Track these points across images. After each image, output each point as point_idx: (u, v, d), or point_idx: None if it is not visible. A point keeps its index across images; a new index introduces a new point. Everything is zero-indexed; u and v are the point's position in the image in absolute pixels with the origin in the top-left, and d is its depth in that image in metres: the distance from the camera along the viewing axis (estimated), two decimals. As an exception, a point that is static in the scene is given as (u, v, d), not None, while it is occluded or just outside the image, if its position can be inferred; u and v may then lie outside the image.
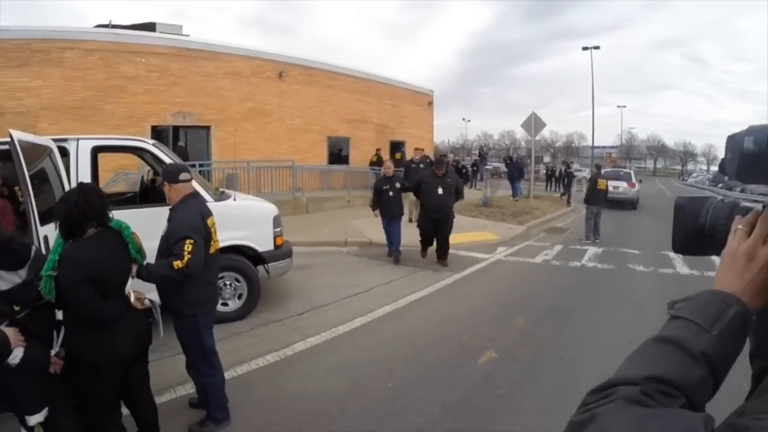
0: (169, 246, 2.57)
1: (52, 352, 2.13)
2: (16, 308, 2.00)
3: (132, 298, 2.26)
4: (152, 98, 12.54)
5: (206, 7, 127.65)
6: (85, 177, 3.54)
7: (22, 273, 2.04)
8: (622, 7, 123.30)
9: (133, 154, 4.82)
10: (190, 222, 2.61)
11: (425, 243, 7.36)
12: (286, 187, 12.47)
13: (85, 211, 2.08)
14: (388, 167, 7.47)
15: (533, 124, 15.79)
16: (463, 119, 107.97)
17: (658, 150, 73.35)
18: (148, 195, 5.17)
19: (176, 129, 13.12)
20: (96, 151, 3.82)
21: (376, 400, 3.26)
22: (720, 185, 31.00)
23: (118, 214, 2.30)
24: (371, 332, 4.44)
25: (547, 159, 49.08)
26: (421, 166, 10.22)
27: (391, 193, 7.19)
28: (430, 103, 22.95)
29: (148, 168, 5.56)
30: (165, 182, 2.78)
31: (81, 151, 3.58)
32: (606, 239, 9.74)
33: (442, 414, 3.10)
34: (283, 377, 3.57)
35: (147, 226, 3.63)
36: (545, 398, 3.33)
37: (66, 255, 2.04)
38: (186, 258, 2.47)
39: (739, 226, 0.72)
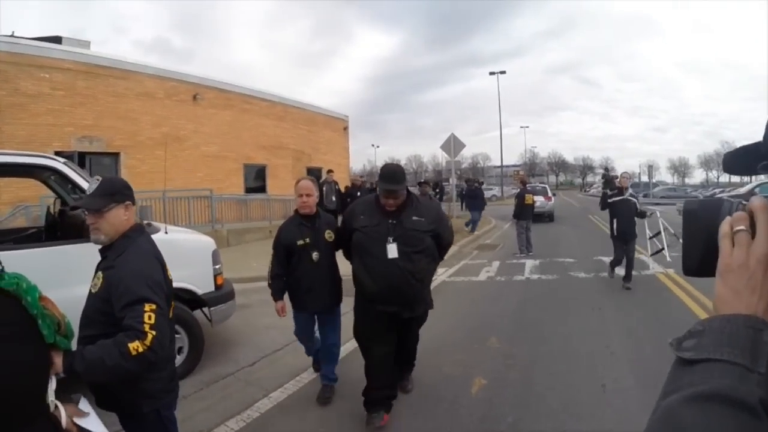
0: (113, 312, 1.64)
1: None
2: None
3: (63, 419, 1.29)
4: (56, 120, 10.90)
5: (105, 30, 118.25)
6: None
7: None
8: (522, 36, 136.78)
9: (34, 177, 3.82)
10: (148, 274, 1.71)
11: (373, 370, 3.13)
12: (204, 218, 11.39)
13: None
14: (306, 192, 3.26)
15: (453, 145, 16.23)
16: (372, 145, 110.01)
17: (559, 165, 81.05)
18: (56, 230, 4.14)
19: (82, 155, 11.22)
20: None
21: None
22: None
23: (17, 257, 1.44)
24: (342, 378, 3.79)
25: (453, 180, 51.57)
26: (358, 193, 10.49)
27: (315, 256, 3.23)
28: (346, 128, 22.89)
29: (54, 197, 4.50)
30: (95, 209, 1.76)
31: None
32: (537, 251, 10.05)
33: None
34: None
35: (57, 271, 2.85)
36: (557, 416, 3.11)
37: None
38: (149, 336, 1.56)
39: (740, 227, 0.55)
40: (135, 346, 1.52)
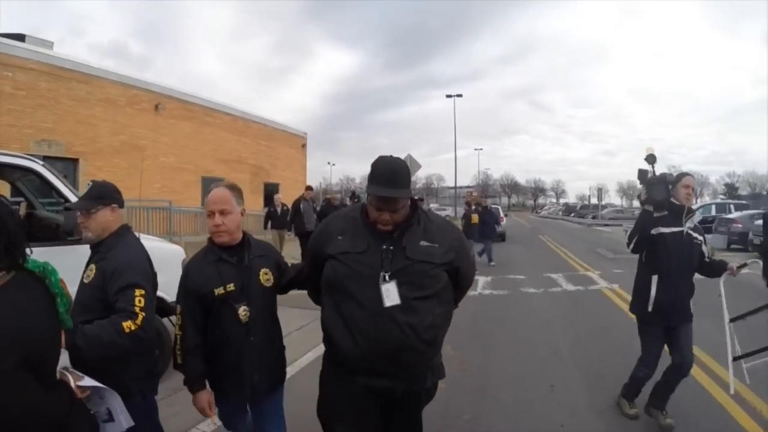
0: (106, 298, 1.81)
1: None
2: None
3: (71, 384, 1.43)
4: (16, 120, 10.48)
5: (62, 30, 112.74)
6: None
7: None
8: (480, 59, 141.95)
9: (3, 179, 3.77)
10: (138, 263, 1.92)
11: None
12: (162, 230, 11.25)
13: None
14: (219, 209, 2.02)
15: (410, 164, 16.72)
16: (329, 163, 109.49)
17: (512, 187, 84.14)
18: (26, 233, 4.07)
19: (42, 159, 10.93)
20: None
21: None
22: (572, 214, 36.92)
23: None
24: (308, 383, 3.88)
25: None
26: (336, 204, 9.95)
27: (243, 312, 2.03)
28: (304, 146, 23.14)
29: (21, 200, 4.47)
30: (84, 209, 1.98)
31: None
32: (490, 269, 10.53)
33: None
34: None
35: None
36: (510, 413, 3.42)
37: None
38: (140, 316, 1.75)
39: None
40: (128, 324, 1.72)
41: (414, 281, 1.74)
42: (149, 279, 1.96)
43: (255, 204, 17.78)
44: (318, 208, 10.45)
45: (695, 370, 3.52)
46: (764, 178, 62.21)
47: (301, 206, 9.59)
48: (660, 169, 3.17)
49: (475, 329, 5.67)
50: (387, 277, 1.73)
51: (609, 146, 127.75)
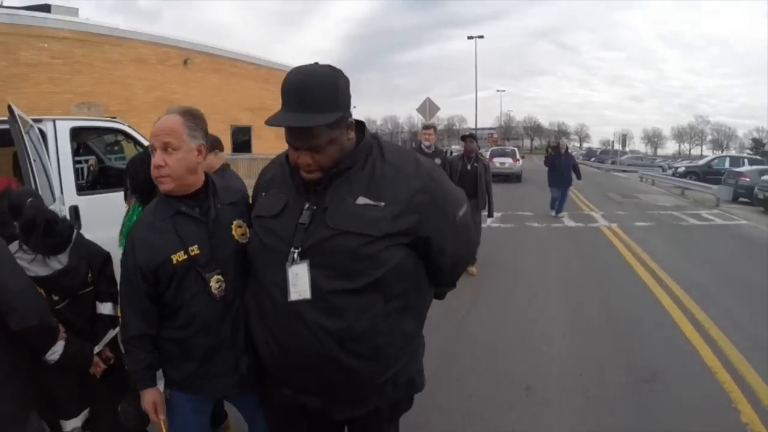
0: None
1: (95, 350, 1.78)
2: (55, 298, 1.71)
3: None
4: (56, 87, 11.30)
5: None
6: (66, 159, 3.54)
7: (63, 258, 1.74)
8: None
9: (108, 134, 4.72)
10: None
11: None
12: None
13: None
14: (162, 143, 1.35)
15: (428, 108, 17.14)
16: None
17: (534, 130, 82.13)
18: (97, 183, 5.13)
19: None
20: (74, 132, 3.79)
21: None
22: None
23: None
24: None
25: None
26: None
27: (216, 282, 1.37)
28: (326, 87, 23.58)
29: (92, 157, 5.62)
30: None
31: (60, 132, 3.55)
32: (500, 206, 11.22)
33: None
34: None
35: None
36: (497, 312, 4.33)
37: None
38: None
39: None
40: None
41: (335, 264, 1.12)
42: None
43: (282, 149, 18.66)
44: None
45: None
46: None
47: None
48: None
49: (485, 259, 5.99)
50: (297, 256, 1.13)
51: (637, 91, 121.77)
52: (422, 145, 5.40)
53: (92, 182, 5.16)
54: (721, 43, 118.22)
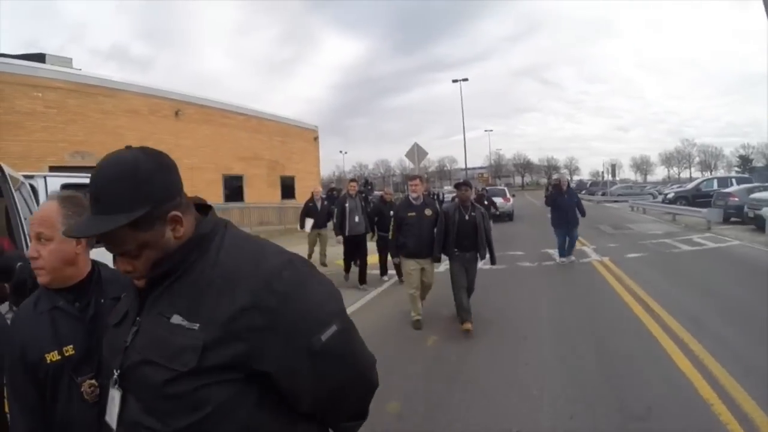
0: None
1: None
2: None
3: None
4: (50, 136, 11.62)
5: (61, 38, 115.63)
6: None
7: None
8: (486, 41, 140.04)
9: None
10: None
11: None
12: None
13: None
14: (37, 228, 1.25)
15: (416, 153, 17.53)
16: (340, 151, 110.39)
17: (524, 166, 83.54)
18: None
19: (75, 170, 12.32)
20: (65, 188, 3.83)
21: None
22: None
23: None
24: None
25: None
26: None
27: (89, 388, 1.22)
28: (316, 138, 24.14)
29: None
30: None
31: (51, 188, 3.61)
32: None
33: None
34: None
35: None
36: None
37: None
38: None
39: None
40: None
41: (146, 398, 0.86)
42: None
43: (273, 197, 19.15)
44: (368, 204, 9.04)
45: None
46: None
47: (347, 205, 7.46)
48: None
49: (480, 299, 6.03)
50: (117, 379, 0.92)
51: (623, 121, 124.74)
52: (410, 197, 5.34)
53: (82, 235, 5.16)
54: (696, 66, 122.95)
